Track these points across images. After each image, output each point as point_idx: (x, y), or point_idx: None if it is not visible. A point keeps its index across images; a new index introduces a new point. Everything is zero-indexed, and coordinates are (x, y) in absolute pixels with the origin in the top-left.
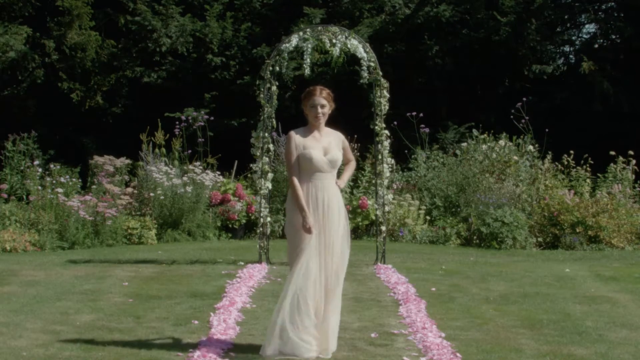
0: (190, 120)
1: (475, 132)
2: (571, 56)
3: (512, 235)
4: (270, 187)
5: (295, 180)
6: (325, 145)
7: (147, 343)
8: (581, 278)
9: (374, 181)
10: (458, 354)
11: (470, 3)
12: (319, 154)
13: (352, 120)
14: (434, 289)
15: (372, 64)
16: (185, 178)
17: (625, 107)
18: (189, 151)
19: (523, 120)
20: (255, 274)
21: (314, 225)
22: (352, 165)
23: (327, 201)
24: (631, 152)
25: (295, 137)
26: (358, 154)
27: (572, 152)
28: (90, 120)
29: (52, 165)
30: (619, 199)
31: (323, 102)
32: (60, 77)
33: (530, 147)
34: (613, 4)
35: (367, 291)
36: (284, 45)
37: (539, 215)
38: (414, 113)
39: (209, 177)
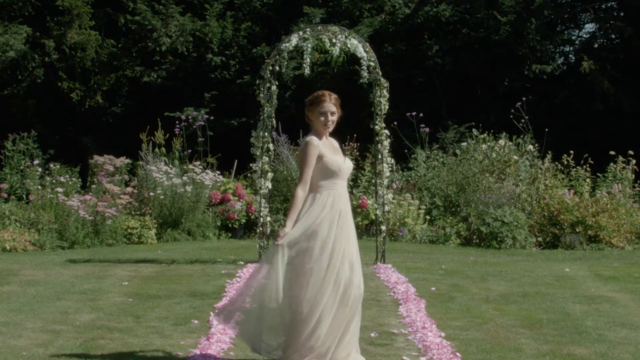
0: (190, 120)
1: (475, 131)
2: (571, 56)
3: (511, 235)
4: (270, 186)
5: (303, 193)
6: (338, 151)
7: (147, 343)
8: (581, 278)
9: (373, 181)
10: (458, 354)
11: (470, 3)
12: (341, 160)
13: (352, 119)
14: (433, 288)
15: (372, 64)
16: (185, 178)
17: (625, 107)
18: (189, 151)
19: (523, 120)
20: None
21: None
22: None
23: (344, 210)
24: (631, 152)
25: (319, 145)
26: (358, 153)
27: (572, 152)
28: (90, 120)
29: (51, 165)
30: (618, 199)
31: (333, 108)
32: (60, 77)
33: (530, 147)
34: (613, 3)
35: (366, 291)
36: (283, 44)
37: (539, 215)
38: (414, 113)
39: (209, 177)
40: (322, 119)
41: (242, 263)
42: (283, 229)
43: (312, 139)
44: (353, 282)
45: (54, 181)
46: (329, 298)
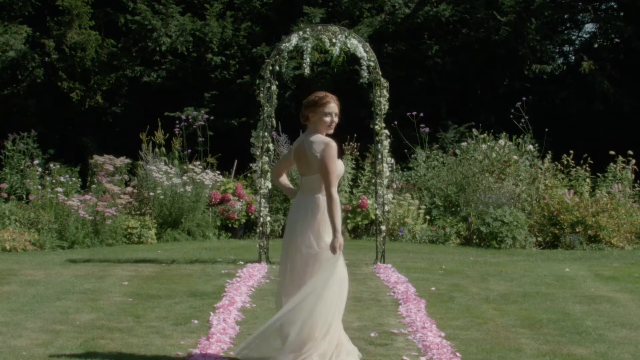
0: (190, 120)
1: (475, 131)
2: (571, 56)
3: (511, 235)
4: (270, 186)
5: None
6: None
7: (147, 342)
8: (581, 278)
9: (373, 180)
10: (458, 354)
11: (470, 2)
12: None
13: (351, 119)
14: (433, 288)
15: (371, 64)
16: (185, 177)
17: (625, 107)
18: (189, 150)
19: (523, 120)
20: (255, 274)
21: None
22: None
23: None
24: (631, 152)
25: None
26: (358, 153)
27: (572, 151)
28: (90, 120)
29: (51, 165)
30: (618, 199)
31: (337, 109)
32: (60, 77)
33: (530, 147)
34: (613, 3)
35: (366, 290)
36: (283, 44)
37: (539, 215)
38: (414, 112)
39: (209, 177)
40: (328, 119)
41: (242, 263)
42: (338, 237)
43: (332, 141)
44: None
45: (54, 181)
46: (339, 294)
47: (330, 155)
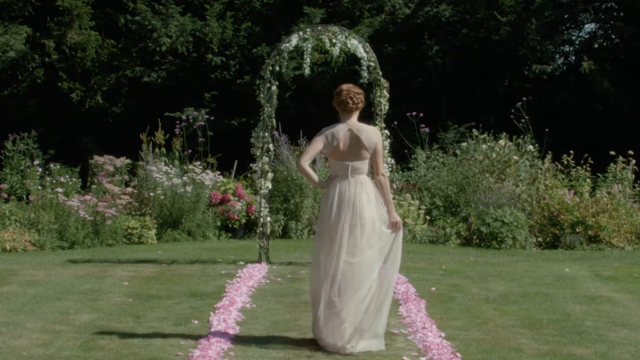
0: (191, 120)
1: (475, 131)
2: (571, 56)
3: (512, 235)
4: (270, 186)
5: None
6: None
7: (147, 343)
8: (581, 278)
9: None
10: (458, 354)
11: (470, 3)
12: None
13: None
14: (433, 288)
15: (372, 64)
16: (185, 178)
17: (625, 107)
18: (189, 151)
19: (523, 120)
20: (255, 274)
21: None
22: None
23: None
24: (631, 152)
25: None
26: None
27: (572, 152)
28: (90, 120)
29: (52, 165)
30: (618, 199)
31: None
32: (60, 77)
33: (530, 147)
34: (613, 3)
35: None
36: (284, 45)
37: (539, 215)
38: (414, 113)
39: (209, 177)
40: None
41: (242, 263)
42: (396, 213)
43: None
44: None
45: (54, 181)
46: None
47: (382, 140)
